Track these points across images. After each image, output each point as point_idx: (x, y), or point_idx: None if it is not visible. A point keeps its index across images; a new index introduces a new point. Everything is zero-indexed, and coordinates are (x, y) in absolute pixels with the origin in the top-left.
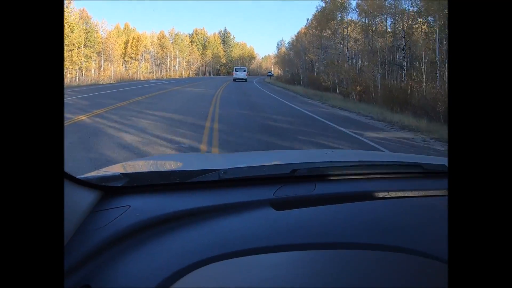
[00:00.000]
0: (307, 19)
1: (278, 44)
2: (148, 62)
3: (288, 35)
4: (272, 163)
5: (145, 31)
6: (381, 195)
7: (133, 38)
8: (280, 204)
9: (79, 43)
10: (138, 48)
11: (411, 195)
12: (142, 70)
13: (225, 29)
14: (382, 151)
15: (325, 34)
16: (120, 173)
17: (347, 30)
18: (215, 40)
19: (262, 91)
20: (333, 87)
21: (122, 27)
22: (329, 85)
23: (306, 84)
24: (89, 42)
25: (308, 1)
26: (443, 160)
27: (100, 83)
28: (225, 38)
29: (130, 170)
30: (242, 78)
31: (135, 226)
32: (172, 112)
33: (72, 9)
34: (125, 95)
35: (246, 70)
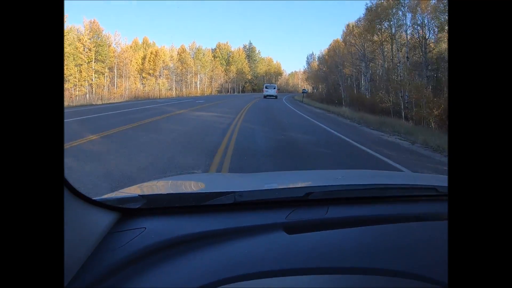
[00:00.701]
0: (347, 24)
1: (308, 58)
2: (167, 79)
3: (317, 49)
4: (287, 186)
5: (164, 45)
6: (394, 218)
7: (151, 53)
8: (292, 228)
9: (89, 57)
10: (156, 63)
11: (424, 218)
12: (159, 87)
13: (250, 43)
14: (402, 171)
15: (374, 38)
16: (138, 195)
17: (406, 34)
18: (239, 55)
19: (300, 115)
20: (394, 110)
21: (140, 42)
22: (388, 106)
23: (350, 103)
24: (100, 57)
25: (341, 7)
26: None
27: (107, 102)
28: (250, 53)
29: (148, 191)
30: (272, 95)
31: (150, 247)
32: None
33: None
34: (83, 128)
35: (276, 87)
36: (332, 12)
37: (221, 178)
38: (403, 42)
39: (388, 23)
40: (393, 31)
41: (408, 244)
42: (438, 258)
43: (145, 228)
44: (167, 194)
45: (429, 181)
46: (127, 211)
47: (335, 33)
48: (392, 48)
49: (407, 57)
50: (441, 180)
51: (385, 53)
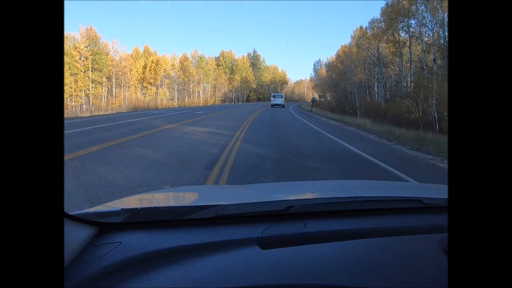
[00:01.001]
0: (359, 26)
1: (315, 65)
2: (169, 88)
3: (323, 56)
4: (269, 200)
5: (165, 53)
6: (376, 233)
7: (152, 62)
8: (266, 243)
9: (85, 66)
10: (157, 72)
11: (408, 232)
12: (160, 96)
13: (255, 51)
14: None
15: (393, 38)
16: (121, 209)
17: (433, 33)
18: (243, 63)
19: (316, 130)
20: (425, 122)
21: (141, 50)
22: (416, 117)
23: (365, 113)
24: (97, 65)
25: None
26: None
27: (101, 113)
28: (254, 61)
29: (132, 205)
30: (280, 104)
31: (123, 262)
32: None
33: None
34: None
35: (283, 96)
36: (338, 19)
37: (215, 190)
38: (429, 42)
39: (408, 20)
40: (419, 30)
41: (388, 260)
42: (420, 275)
43: (121, 242)
44: (149, 208)
45: (425, 192)
46: (106, 225)
47: (342, 40)
48: (410, 51)
49: (433, 59)
50: (434, 191)
51: (404, 56)
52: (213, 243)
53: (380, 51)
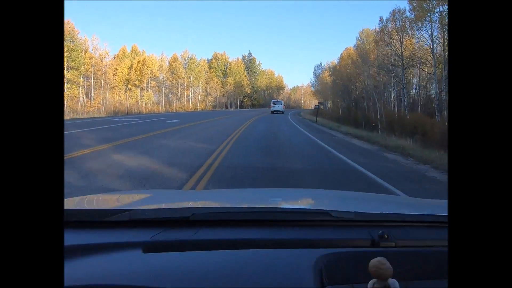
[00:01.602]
0: (381, 17)
1: (315, 69)
2: (158, 91)
3: (322, 62)
4: (178, 207)
5: (153, 53)
6: (263, 243)
7: (138, 62)
8: (150, 247)
9: None
10: (143, 73)
11: (307, 245)
12: (144, 100)
13: (250, 54)
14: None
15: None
16: None
17: None
18: (237, 67)
19: (351, 168)
20: None
21: (129, 50)
22: None
23: (387, 126)
24: (73, 64)
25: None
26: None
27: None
28: (249, 64)
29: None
30: (279, 111)
31: None
32: None
33: None
34: None
35: (282, 103)
36: (337, 23)
37: (159, 195)
38: None
39: None
40: None
41: (254, 271)
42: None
43: None
44: (76, 209)
45: (406, 207)
46: None
47: (342, 45)
48: (443, 48)
49: None
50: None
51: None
52: (104, 244)
53: (403, 48)
